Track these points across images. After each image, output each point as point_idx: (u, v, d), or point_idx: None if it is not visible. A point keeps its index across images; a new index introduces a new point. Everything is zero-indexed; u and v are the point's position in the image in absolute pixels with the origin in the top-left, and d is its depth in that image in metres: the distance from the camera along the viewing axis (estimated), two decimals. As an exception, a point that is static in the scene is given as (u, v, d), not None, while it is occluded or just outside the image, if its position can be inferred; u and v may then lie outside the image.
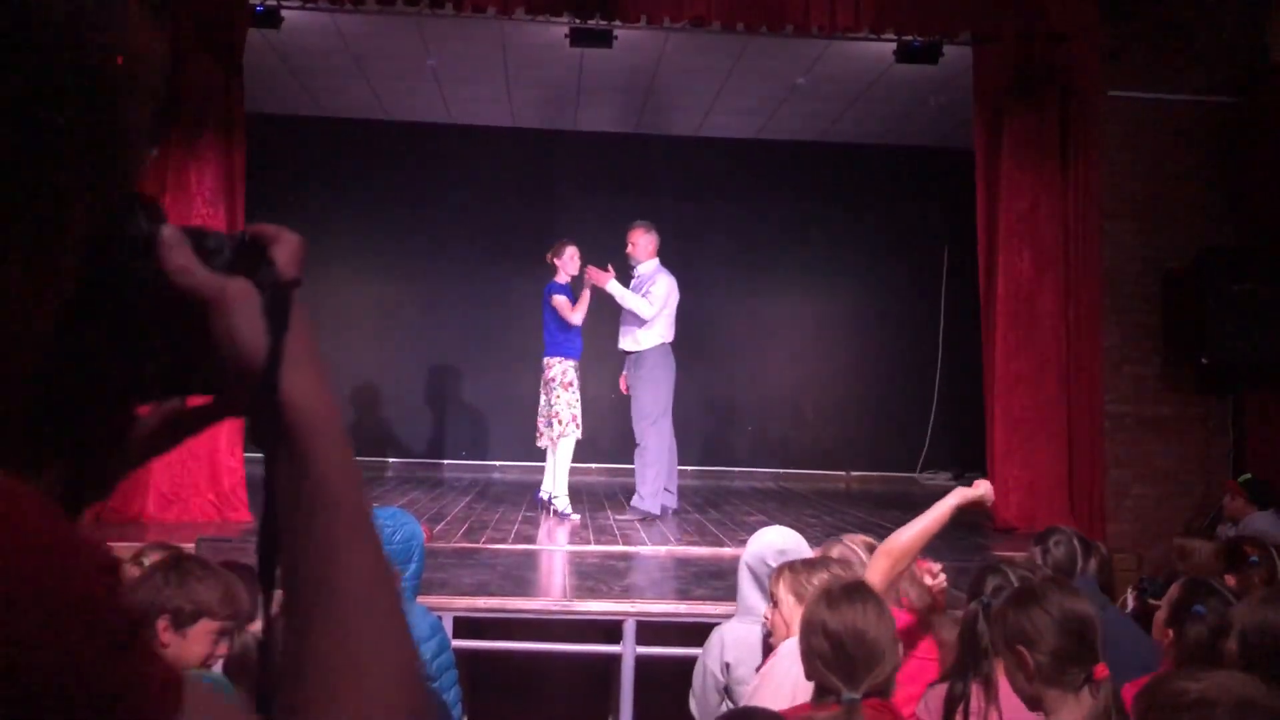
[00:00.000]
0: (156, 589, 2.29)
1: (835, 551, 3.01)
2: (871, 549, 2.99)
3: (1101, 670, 2.07)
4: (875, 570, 2.68)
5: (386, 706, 0.58)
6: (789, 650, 2.61)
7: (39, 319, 0.56)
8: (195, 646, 2.31)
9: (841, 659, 2.09)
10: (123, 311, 0.59)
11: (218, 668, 2.40)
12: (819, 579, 2.68)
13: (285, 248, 0.64)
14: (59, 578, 0.46)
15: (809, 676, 2.19)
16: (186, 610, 2.29)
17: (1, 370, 0.52)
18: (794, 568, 2.80)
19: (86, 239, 0.57)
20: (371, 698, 0.58)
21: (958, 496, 2.93)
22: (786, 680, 2.51)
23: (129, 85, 0.57)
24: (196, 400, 0.67)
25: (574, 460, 7.15)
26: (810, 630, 2.15)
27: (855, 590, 2.25)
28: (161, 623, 2.26)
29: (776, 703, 2.38)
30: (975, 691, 2.33)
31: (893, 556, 2.69)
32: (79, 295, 0.57)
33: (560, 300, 6.99)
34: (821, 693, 2.16)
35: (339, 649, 0.58)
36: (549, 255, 7.26)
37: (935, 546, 5.90)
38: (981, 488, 3.01)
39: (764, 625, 2.94)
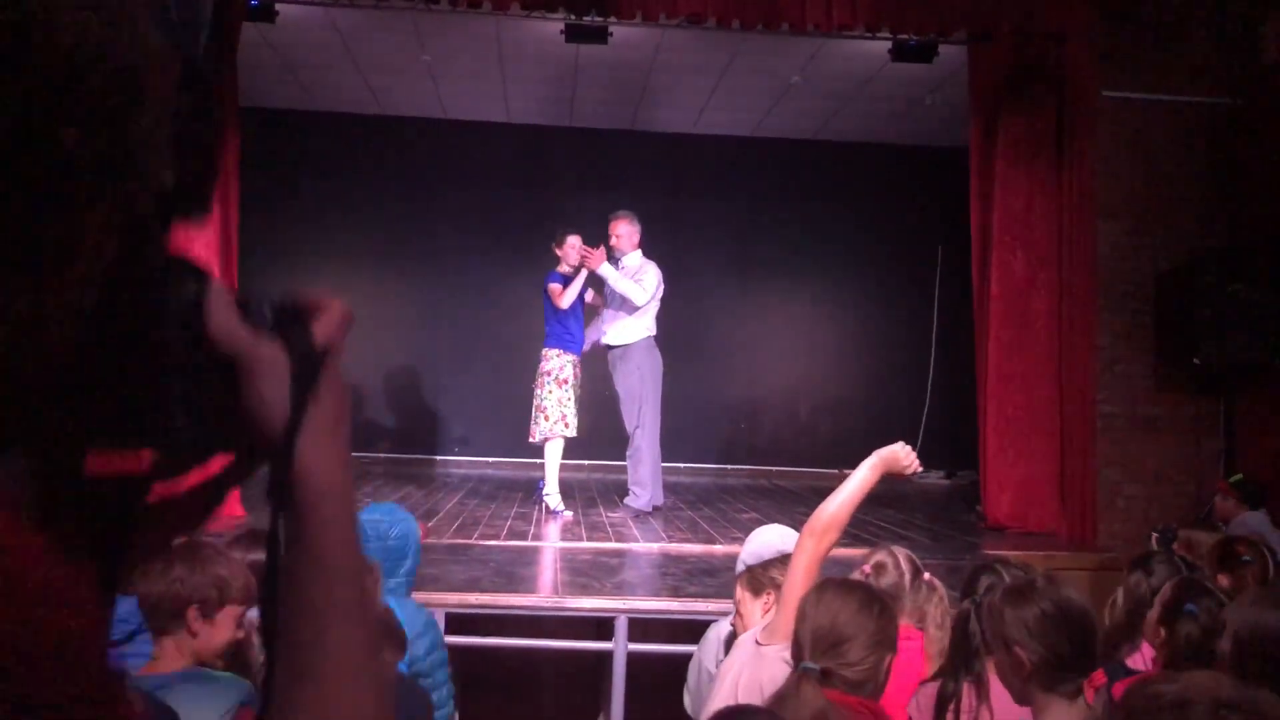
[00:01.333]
0: (182, 578, 2.30)
1: (875, 558, 3.02)
2: (913, 562, 3.00)
3: (1099, 677, 2.05)
4: (801, 550, 2.56)
5: None
6: (737, 646, 2.64)
7: (52, 331, 0.55)
8: (222, 632, 2.34)
9: (811, 641, 2.11)
10: (165, 369, 0.60)
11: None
12: (775, 572, 2.72)
13: (329, 316, 0.65)
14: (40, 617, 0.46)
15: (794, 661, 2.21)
16: (213, 598, 2.32)
17: (9, 382, 0.51)
18: (751, 568, 2.84)
19: (110, 258, 0.56)
20: None
21: (880, 459, 2.68)
22: (729, 675, 2.52)
23: (137, 96, 0.56)
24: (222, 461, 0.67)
25: (567, 457, 7.11)
26: (800, 617, 2.17)
27: (848, 585, 2.26)
28: (191, 612, 2.29)
29: (724, 698, 2.41)
30: (966, 690, 2.33)
31: (816, 534, 2.56)
32: (123, 351, 0.58)
33: (553, 287, 6.95)
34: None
35: (320, 712, 0.60)
36: (554, 244, 7.20)
37: (927, 546, 5.93)
38: (901, 451, 2.69)
39: (731, 624, 2.98)
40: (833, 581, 2.26)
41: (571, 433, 6.87)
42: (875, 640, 2.13)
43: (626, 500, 7.09)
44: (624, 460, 7.24)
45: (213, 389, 0.60)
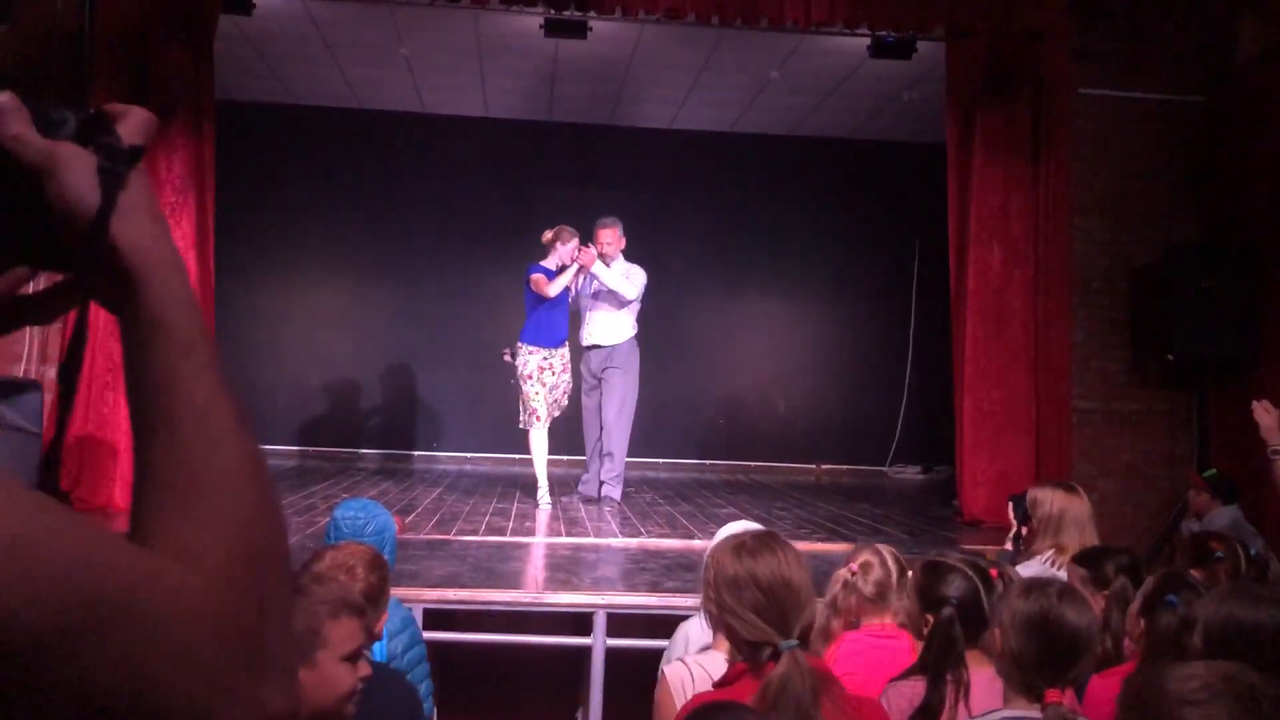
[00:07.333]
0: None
1: (861, 557, 3.00)
2: (898, 559, 2.98)
3: (1052, 695, 2.05)
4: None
5: (229, 525, 0.58)
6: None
7: None
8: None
9: (773, 608, 2.04)
10: None
11: None
12: None
13: (131, 119, 0.65)
14: None
15: (736, 637, 2.11)
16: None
17: None
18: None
19: None
20: (214, 516, 0.58)
21: None
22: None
23: None
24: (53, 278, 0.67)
25: (551, 453, 7.14)
26: (738, 585, 2.07)
27: (768, 539, 2.19)
28: None
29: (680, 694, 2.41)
30: (949, 691, 2.33)
31: None
32: None
33: (537, 276, 6.89)
34: (753, 649, 2.05)
35: (179, 468, 0.59)
36: (550, 234, 7.04)
37: (903, 541, 5.96)
38: None
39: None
40: (752, 544, 2.14)
41: (542, 425, 6.91)
42: (812, 589, 2.11)
43: (608, 493, 7.11)
44: (580, 454, 7.30)
45: (15, 198, 0.61)
